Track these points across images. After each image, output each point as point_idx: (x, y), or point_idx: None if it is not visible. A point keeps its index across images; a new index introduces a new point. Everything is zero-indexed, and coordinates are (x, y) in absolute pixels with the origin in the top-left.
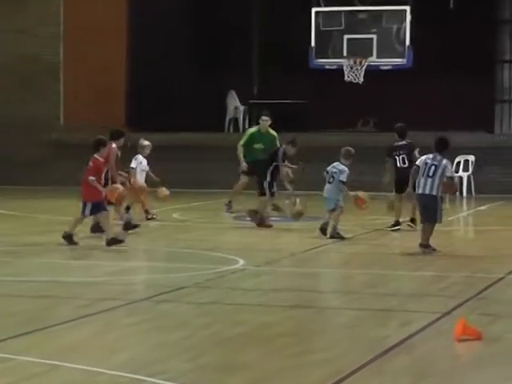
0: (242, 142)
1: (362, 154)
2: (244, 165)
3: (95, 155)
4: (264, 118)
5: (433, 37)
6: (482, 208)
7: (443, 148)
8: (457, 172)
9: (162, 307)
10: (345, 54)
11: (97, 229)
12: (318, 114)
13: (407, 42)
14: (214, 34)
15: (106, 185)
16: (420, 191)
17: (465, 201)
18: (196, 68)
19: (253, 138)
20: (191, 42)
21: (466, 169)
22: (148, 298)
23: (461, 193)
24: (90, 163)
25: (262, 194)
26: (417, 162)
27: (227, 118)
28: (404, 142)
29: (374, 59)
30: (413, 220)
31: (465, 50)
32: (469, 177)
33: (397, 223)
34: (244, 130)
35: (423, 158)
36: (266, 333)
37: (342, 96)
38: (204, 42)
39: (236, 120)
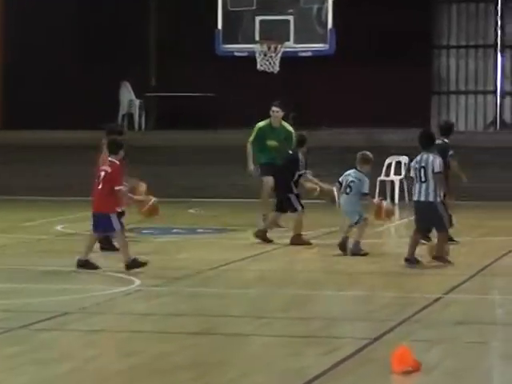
0: (250, 139)
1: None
2: (251, 168)
3: (110, 158)
4: (274, 108)
5: (359, 19)
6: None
7: (430, 144)
8: (387, 176)
9: (41, 336)
10: (257, 38)
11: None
12: (227, 108)
13: (329, 25)
14: (102, 19)
15: None
16: (415, 198)
17: (397, 208)
18: (83, 58)
19: (263, 134)
20: (76, 30)
21: (397, 172)
22: (25, 326)
23: (392, 199)
24: (108, 169)
25: (294, 210)
26: (441, 168)
27: (120, 114)
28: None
29: (291, 44)
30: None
31: (396, 34)
32: (401, 181)
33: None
34: (140, 126)
35: (412, 163)
36: (164, 364)
37: (255, 87)
38: (92, 30)
39: (131, 116)
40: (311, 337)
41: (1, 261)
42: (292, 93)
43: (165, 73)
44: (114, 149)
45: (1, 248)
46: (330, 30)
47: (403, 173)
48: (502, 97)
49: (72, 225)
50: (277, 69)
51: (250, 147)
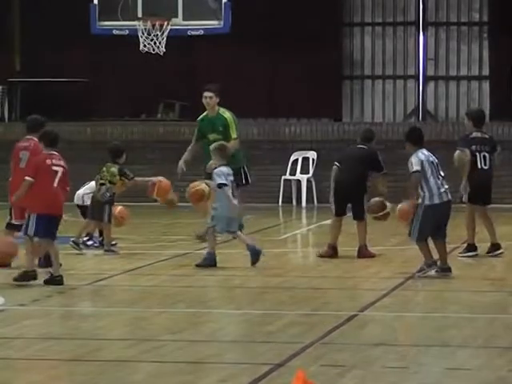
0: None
1: (172, 150)
2: (179, 165)
3: None
4: (206, 94)
5: None
6: (327, 222)
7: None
8: (293, 174)
9: None
10: (139, 14)
11: None
12: (103, 96)
13: None
14: None
15: None
16: (446, 198)
17: (304, 212)
18: None
19: (203, 128)
20: None
21: (305, 170)
22: None
23: (299, 201)
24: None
25: (362, 217)
26: (416, 167)
27: None
28: (486, 136)
29: (179, 21)
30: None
31: (301, 10)
32: (309, 180)
33: (472, 247)
34: (2, 117)
35: (422, 157)
36: None
37: (137, 72)
38: None
39: None
40: (203, 363)
41: None
42: (181, 78)
43: (31, 55)
44: None
45: None
46: (225, 4)
47: (311, 171)
48: (425, 82)
49: None
50: (163, 50)
51: (191, 145)
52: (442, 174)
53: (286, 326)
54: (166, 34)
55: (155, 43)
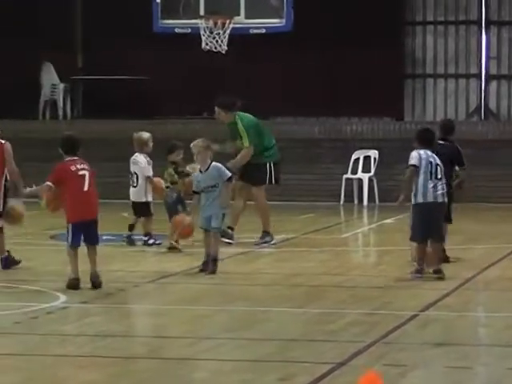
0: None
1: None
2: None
3: None
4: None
5: None
6: (388, 221)
7: (431, 142)
8: (354, 173)
9: None
10: (202, 12)
11: None
12: (165, 94)
13: None
14: None
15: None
16: (430, 199)
17: (365, 211)
18: None
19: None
20: None
21: (366, 169)
22: None
23: (360, 200)
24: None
25: (450, 220)
26: (412, 161)
27: (42, 100)
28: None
29: (241, 20)
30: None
31: (364, 9)
32: (371, 179)
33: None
34: (65, 115)
35: (423, 155)
36: None
37: (199, 70)
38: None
39: (54, 102)
40: (263, 361)
41: None
42: (242, 76)
43: (93, 52)
44: None
45: None
46: (287, 2)
47: (373, 170)
48: (487, 81)
49: None
50: (225, 48)
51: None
52: (440, 176)
53: (347, 324)
54: (227, 32)
55: (217, 41)
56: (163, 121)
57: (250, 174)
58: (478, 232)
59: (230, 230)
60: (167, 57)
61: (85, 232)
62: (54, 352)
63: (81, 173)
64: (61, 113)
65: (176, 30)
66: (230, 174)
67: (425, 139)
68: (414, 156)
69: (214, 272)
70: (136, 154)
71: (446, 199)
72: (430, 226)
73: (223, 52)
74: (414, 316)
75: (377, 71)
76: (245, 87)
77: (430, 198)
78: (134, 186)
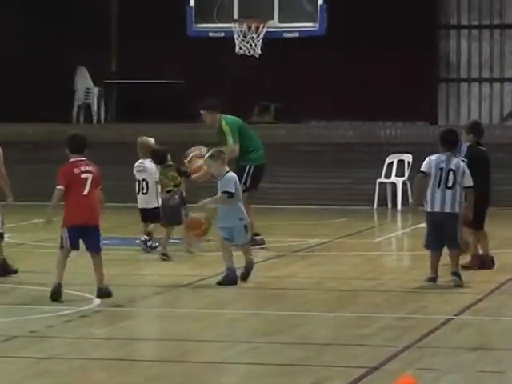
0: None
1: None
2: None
3: None
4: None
5: None
6: (422, 225)
7: (454, 144)
8: (388, 177)
9: None
10: (235, 16)
11: None
12: (199, 98)
13: (320, 1)
14: None
15: None
16: (437, 209)
17: (399, 215)
18: (33, 40)
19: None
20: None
21: (400, 173)
22: None
23: (394, 204)
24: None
25: (478, 226)
26: (422, 168)
27: (76, 104)
28: None
29: (275, 24)
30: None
31: (397, 12)
32: (404, 183)
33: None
34: (99, 119)
35: (433, 161)
36: None
37: (233, 74)
38: (44, 8)
39: (88, 106)
40: (298, 365)
41: None
42: (276, 80)
43: (127, 56)
44: None
45: None
46: (321, 6)
47: (407, 174)
48: None
49: (19, 233)
50: (258, 52)
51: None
52: (450, 184)
53: (380, 329)
54: (261, 36)
55: (251, 45)
56: (197, 124)
57: None
58: (511, 237)
59: (257, 237)
60: (201, 60)
61: (83, 238)
62: (88, 355)
63: (83, 176)
64: (95, 117)
65: (210, 34)
66: (230, 190)
67: (446, 141)
68: (425, 162)
69: (245, 279)
70: (140, 160)
71: (457, 209)
72: (440, 234)
73: (257, 56)
74: (448, 320)
75: (411, 75)
76: (278, 91)
77: (437, 208)
78: (144, 193)
